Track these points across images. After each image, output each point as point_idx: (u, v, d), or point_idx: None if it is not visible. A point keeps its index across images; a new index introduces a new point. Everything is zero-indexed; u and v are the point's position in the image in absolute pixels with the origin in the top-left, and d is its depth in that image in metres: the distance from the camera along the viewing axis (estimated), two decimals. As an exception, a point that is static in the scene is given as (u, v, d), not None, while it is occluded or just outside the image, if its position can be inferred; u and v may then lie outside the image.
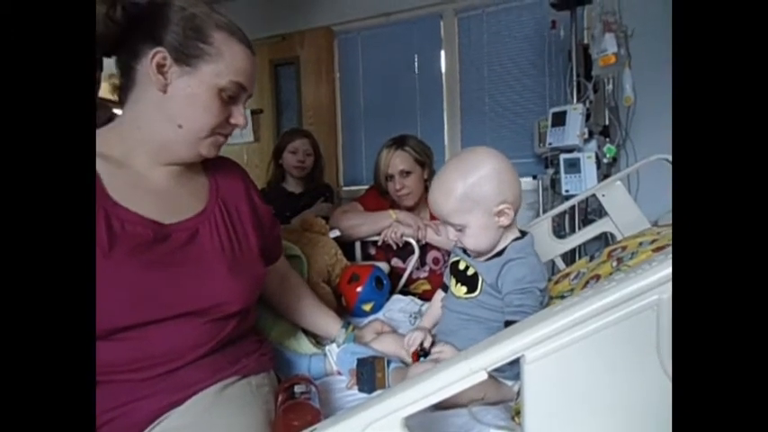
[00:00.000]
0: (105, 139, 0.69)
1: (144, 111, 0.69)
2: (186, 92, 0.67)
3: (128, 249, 0.63)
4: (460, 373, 0.41)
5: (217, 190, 0.79)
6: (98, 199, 0.64)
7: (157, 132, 0.69)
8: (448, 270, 0.94)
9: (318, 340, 1.02)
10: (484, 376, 0.41)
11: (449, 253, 1.07)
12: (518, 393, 0.73)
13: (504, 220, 0.81)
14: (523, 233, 0.86)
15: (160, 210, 0.69)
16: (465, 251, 0.89)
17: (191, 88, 0.67)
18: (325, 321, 1.01)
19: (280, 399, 0.72)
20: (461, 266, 0.89)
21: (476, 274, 0.84)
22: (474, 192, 0.79)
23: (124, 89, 0.71)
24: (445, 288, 0.98)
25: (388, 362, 0.85)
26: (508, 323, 0.76)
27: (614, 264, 0.91)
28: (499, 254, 0.83)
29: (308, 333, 1.02)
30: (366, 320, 1.18)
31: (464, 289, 0.86)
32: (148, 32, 0.67)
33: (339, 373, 0.92)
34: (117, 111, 1.82)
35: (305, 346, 0.98)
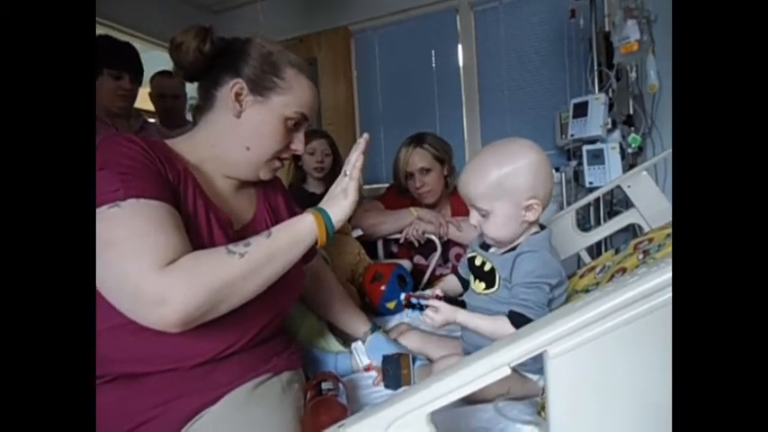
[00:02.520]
0: (180, 148, 0.76)
1: (218, 131, 0.77)
2: (257, 119, 0.75)
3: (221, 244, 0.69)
4: (483, 369, 0.41)
5: (265, 198, 0.87)
6: (198, 195, 0.72)
7: (227, 151, 0.77)
8: (466, 265, 0.94)
9: (345, 338, 1.04)
10: (507, 372, 0.41)
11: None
12: (543, 389, 0.73)
13: (531, 216, 0.80)
14: (542, 227, 0.85)
15: (231, 215, 0.77)
16: (481, 246, 0.89)
17: (261, 116, 0.75)
18: (356, 321, 1.04)
19: (308, 396, 0.75)
20: (478, 262, 0.89)
21: (493, 270, 0.84)
22: (507, 181, 0.78)
23: (201, 110, 0.79)
24: (461, 278, 0.98)
25: (414, 359, 0.86)
26: (511, 314, 0.76)
27: (640, 256, 0.90)
28: (514, 248, 0.82)
29: (334, 332, 1.05)
30: (391, 319, 1.20)
31: (483, 285, 0.86)
32: (230, 64, 0.75)
33: (367, 370, 0.93)
34: (151, 120, 1.87)
35: (332, 344, 1.01)
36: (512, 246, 0.84)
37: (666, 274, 0.38)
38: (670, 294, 0.38)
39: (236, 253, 0.63)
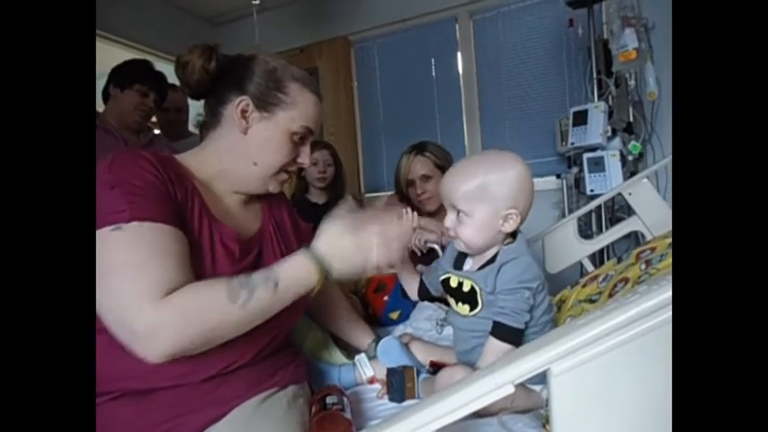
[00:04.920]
0: (189, 164, 0.77)
1: (225, 148, 0.78)
2: (263, 135, 0.76)
3: (226, 265, 0.70)
4: (487, 388, 0.42)
5: (270, 213, 0.87)
6: (204, 213, 0.72)
7: (235, 167, 0.78)
8: (440, 285, 0.91)
9: (348, 350, 1.04)
10: (510, 390, 0.41)
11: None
12: (548, 400, 0.73)
13: (507, 227, 0.80)
14: (514, 234, 0.84)
15: (237, 229, 0.77)
16: (455, 266, 0.88)
17: (268, 132, 0.76)
18: (360, 333, 1.04)
19: (313, 410, 0.75)
20: (453, 284, 0.86)
21: (473, 289, 0.82)
22: (492, 187, 0.78)
23: (208, 127, 0.80)
24: (425, 288, 0.97)
25: (418, 372, 0.86)
26: (494, 324, 0.77)
27: (643, 266, 0.90)
28: (492, 260, 0.82)
29: (338, 343, 1.05)
30: (395, 330, 1.20)
31: (467, 307, 0.84)
32: (235, 82, 0.76)
33: (371, 382, 0.93)
34: (156, 131, 1.95)
35: (336, 356, 1.01)
36: (489, 258, 0.83)
37: (669, 292, 0.38)
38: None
39: (237, 302, 0.60)
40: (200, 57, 0.74)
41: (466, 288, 0.84)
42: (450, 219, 0.83)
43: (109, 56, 2.02)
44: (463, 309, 0.85)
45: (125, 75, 1.60)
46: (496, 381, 0.41)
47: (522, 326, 0.77)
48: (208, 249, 0.70)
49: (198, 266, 0.65)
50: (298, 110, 0.77)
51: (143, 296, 0.57)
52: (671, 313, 0.38)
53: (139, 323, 0.56)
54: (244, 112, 0.75)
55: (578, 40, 2.25)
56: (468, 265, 0.87)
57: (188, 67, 0.74)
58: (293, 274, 0.66)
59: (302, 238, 0.90)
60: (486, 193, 0.79)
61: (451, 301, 0.88)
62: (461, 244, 0.84)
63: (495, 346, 0.76)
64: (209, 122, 0.79)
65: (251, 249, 0.77)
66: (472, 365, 0.79)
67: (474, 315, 0.83)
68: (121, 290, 0.57)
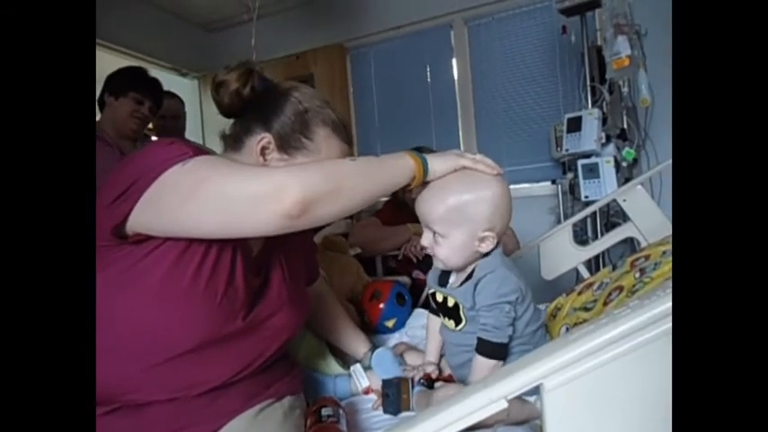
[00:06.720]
0: None
1: None
2: None
3: (242, 282, 0.69)
4: (480, 403, 0.42)
5: None
6: None
7: None
8: (431, 300, 0.92)
9: (345, 360, 1.04)
10: (504, 405, 0.41)
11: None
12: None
13: (484, 247, 0.79)
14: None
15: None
16: (440, 282, 0.87)
17: None
18: (356, 342, 1.04)
19: (308, 422, 0.74)
20: (439, 298, 0.86)
21: (456, 305, 0.82)
22: (468, 208, 0.76)
23: (228, 144, 0.78)
24: (437, 313, 0.95)
25: (413, 384, 0.85)
26: (478, 340, 0.77)
27: (637, 275, 0.90)
28: (470, 276, 0.81)
29: (333, 351, 1.04)
30: (391, 338, 1.20)
31: (452, 322, 0.84)
32: (263, 116, 0.74)
33: (366, 393, 0.93)
34: (153, 138, 1.94)
35: (332, 366, 1.00)
36: (467, 274, 0.82)
37: (661, 306, 0.38)
38: (665, 326, 0.38)
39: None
40: (237, 80, 0.72)
41: (450, 304, 0.83)
42: (426, 238, 0.81)
43: (104, 63, 2.02)
44: (450, 323, 0.84)
45: (120, 82, 1.60)
46: (490, 396, 0.41)
47: (505, 340, 0.76)
48: (224, 269, 0.68)
49: (219, 276, 0.65)
50: (320, 158, 0.73)
51: (252, 171, 0.62)
52: (664, 327, 0.38)
53: (262, 185, 0.59)
54: (264, 149, 0.72)
55: (572, 47, 2.26)
56: (453, 278, 0.86)
57: (222, 87, 0.73)
58: (394, 157, 0.73)
59: (304, 248, 0.90)
60: (461, 216, 0.77)
61: (440, 315, 0.88)
62: (440, 262, 0.83)
63: (482, 362, 0.77)
64: (231, 142, 0.77)
65: (259, 263, 0.76)
66: (465, 381, 0.79)
67: (460, 330, 0.82)
68: (229, 179, 0.60)
